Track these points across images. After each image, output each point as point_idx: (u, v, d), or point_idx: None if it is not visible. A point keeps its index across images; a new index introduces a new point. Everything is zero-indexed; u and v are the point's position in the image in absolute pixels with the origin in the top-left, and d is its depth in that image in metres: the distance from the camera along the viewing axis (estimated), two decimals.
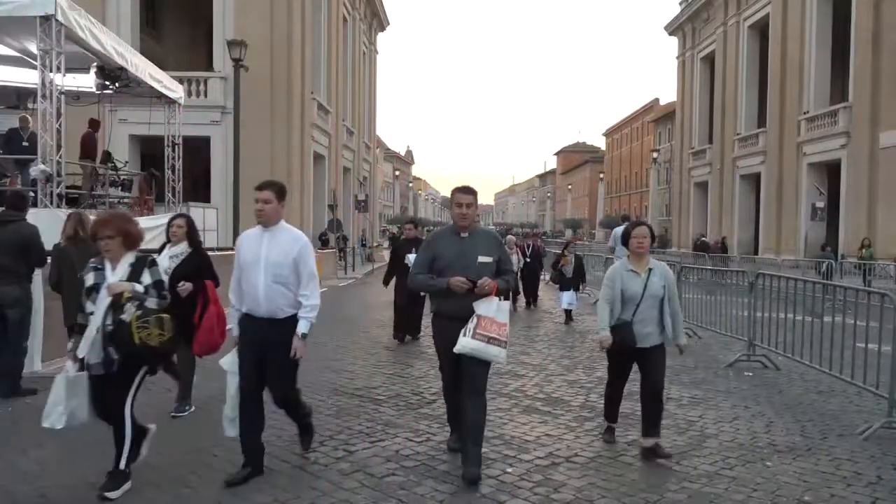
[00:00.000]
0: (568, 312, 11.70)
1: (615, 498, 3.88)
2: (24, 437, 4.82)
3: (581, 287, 12.62)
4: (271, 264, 4.02)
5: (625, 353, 4.68)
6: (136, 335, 3.70)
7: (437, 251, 4.22)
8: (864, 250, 19.04)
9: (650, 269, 4.65)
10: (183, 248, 5.41)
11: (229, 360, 4.16)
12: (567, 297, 11.65)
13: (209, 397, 6.02)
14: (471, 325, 3.98)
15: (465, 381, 4.09)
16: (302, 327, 4.06)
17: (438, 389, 6.44)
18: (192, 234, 5.50)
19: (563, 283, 11.81)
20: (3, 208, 6.32)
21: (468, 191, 4.26)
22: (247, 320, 4.12)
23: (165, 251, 5.46)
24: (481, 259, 4.13)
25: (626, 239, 4.81)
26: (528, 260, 13.82)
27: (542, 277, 15.17)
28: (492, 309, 4.00)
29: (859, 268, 17.94)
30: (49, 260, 6.18)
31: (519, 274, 13.39)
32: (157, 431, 4.95)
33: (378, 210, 50.76)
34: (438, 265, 4.16)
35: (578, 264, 12.14)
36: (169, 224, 5.58)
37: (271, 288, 4.01)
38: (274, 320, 4.04)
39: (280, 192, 4.13)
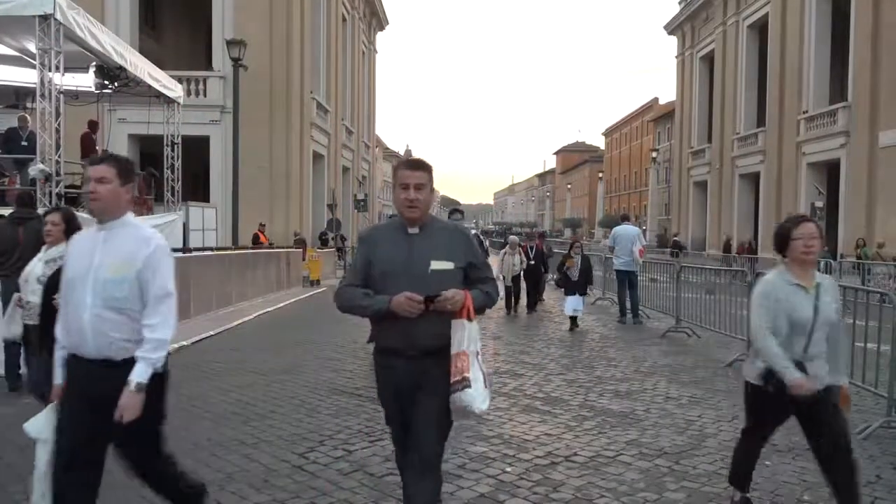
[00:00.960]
0: (573, 319, 10.78)
1: (614, 497, 3.88)
2: (23, 436, 4.81)
3: (589, 290, 11.83)
4: (101, 281, 2.69)
5: (786, 402, 3.27)
6: None
7: (373, 253, 2.85)
8: (859, 250, 19.06)
9: (818, 284, 3.30)
10: (62, 251, 4.18)
11: (38, 424, 2.97)
12: (572, 302, 10.74)
13: (203, 394, 6.02)
14: (483, 368, 2.79)
15: (418, 448, 2.78)
16: (137, 374, 2.67)
17: None
18: (72, 233, 4.27)
19: (569, 286, 10.94)
20: (14, 207, 6.41)
21: (417, 165, 2.88)
22: (74, 363, 2.81)
23: (39, 254, 4.53)
24: (436, 265, 2.78)
25: (782, 242, 3.35)
26: (532, 262, 13.14)
27: (547, 280, 14.56)
28: (477, 337, 2.82)
29: (857, 267, 17.94)
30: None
31: (521, 275, 13.01)
32: (168, 425, 4.94)
33: (378, 209, 50.71)
34: (376, 273, 2.82)
35: (585, 266, 11.21)
36: (41, 221, 4.69)
37: (102, 316, 2.68)
38: (111, 364, 2.72)
39: (123, 169, 2.80)
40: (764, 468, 4.37)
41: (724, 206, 37.30)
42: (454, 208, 12.22)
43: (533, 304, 13.31)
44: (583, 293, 11.05)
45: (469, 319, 2.73)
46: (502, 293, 12.16)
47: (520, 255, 12.84)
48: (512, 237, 13.98)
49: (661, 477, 4.20)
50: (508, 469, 4.28)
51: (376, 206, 48.58)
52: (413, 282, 2.73)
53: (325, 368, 7.48)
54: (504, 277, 12.36)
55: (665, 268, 13.10)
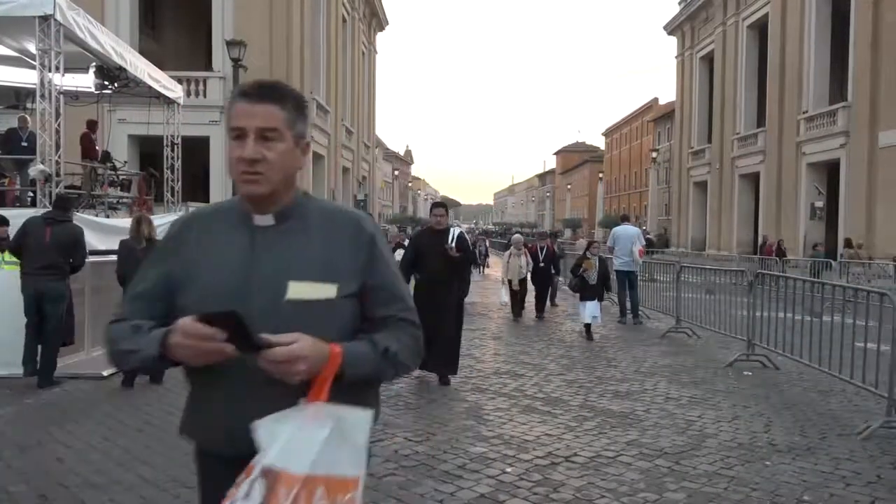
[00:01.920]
0: (587, 327, 9.88)
1: (614, 497, 3.87)
2: (23, 436, 4.83)
3: (606, 296, 10.70)
4: None
5: None
6: None
7: (181, 262, 1.52)
8: (851, 250, 19.07)
9: None
10: None
11: None
12: (590, 309, 9.71)
13: None
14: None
15: None
16: None
17: (438, 389, 6.46)
18: None
19: (586, 291, 9.77)
20: (53, 209, 6.76)
21: (262, 92, 1.45)
22: None
23: None
24: (298, 290, 1.44)
25: None
26: (542, 264, 12.04)
27: (558, 285, 13.47)
28: (330, 451, 1.32)
29: (845, 266, 17.89)
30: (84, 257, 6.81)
31: (529, 277, 12.00)
32: (156, 432, 4.97)
33: (377, 210, 50.69)
34: (187, 302, 1.46)
35: (603, 270, 10.04)
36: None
37: None
38: None
39: None
40: (764, 468, 4.38)
41: (724, 207, 37.29)
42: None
43: (541, 308, 12.22)
44: (601, 299, 10.08)
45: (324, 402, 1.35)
46: (507, 298, 11.60)
47: (525, 256, 11.87)
48: (516, 236, 12.79)
49: (661, 477, 4.19)
50: (508, 469, 4.27)
51: (376, 206, 48.58)
52: (263, 319, 1.39)
53: None
54: (510, 281, 11.70)
55: (665, 268, 13.09)
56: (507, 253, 12.09)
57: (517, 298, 11.96)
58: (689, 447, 4.79)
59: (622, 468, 4.34)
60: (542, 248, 12.43)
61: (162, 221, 12.30)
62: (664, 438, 4.98)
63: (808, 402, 6.16)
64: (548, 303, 12.78)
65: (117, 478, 4.05)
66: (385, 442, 4.80)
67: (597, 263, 9.94)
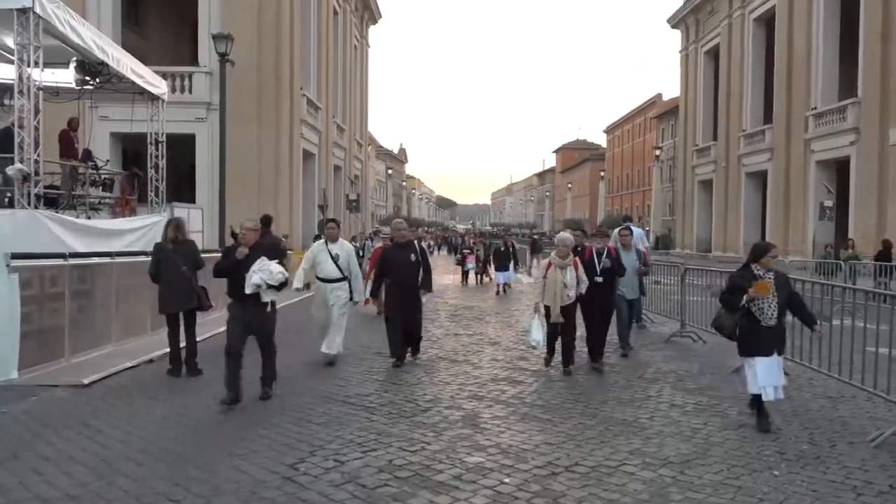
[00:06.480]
0: (759, 400, 5.42)
1: None
2: (19, 439, 4.83)
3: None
4: None
5: None
6: None
7: None
8: (850, 251, 18.81)
9: None
10: None
11: None
12: (771, 370, 5.43)
13: (189, 404, 5.88)
14: None
15: None
16: None
17: (433, 397, 6.32)
18: None
19: (767, 340, 5.42)
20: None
21: None
22: None
23: None
24: None
25: None
26: (601, 279, 7.61)
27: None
28: None
29: (839, 268, 17.60)
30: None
31: (577, 306, 7.57)
32: (140, 442, 4.83)
33: (370, 210, 50.20)
34: None
35: (786, 292, 5.53)
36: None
37: None
38: None
39: None
40: (771, 478, 4.29)
41: (730, 206, 37.11)
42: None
43: (600, 351, 7.81)
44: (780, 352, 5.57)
45: None
46: (540, 336, 7.39)
47: (577, 269, 7.36)
48: (564, 235, 7.84)
49: (665, 487, 4.11)
50: (506, 480, 4.19)
51: (369, 206, 48.19)
52: None
53: (314, 375, 7.35)
54: (548, 308, 7.36)
55: (669, 270, 12.89)
56: (545, 262, 7.83)
57: (564, 336, 7.48)
58: (694, 456, 4.70)
59: (625, 478, 4.26)
60: (599, 254, 7.75)
61: (144, 223, 12.12)
62: (669, 447, 4.88)
63: (818, 409, 6.04)
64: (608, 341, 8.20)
65: (98, 490, 3.98)
66: (378, 451, 4.69)
67: (773, 288, 5.43)
